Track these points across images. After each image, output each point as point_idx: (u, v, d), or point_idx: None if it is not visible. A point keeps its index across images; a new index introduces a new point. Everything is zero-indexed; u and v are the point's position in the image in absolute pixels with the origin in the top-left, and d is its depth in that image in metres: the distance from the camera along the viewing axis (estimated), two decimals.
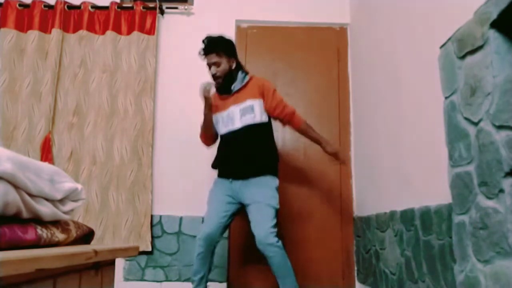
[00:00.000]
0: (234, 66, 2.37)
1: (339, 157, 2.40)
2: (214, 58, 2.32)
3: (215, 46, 2.32)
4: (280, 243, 2.15)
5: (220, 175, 2.42)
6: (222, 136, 2.43)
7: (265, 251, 2.13)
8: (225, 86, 2.37)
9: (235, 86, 2.37)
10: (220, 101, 2.42)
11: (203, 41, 2.36)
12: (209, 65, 2.35)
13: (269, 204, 2.21)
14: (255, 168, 2.28)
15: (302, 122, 2.40)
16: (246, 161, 2.29)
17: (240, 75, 2.39)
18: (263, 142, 2.35)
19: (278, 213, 2.25)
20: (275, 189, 2.29)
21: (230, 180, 2.33)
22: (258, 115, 2.32)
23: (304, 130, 2.41)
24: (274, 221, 2.18)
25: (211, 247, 2.26)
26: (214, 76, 2.34)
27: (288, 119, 2.37)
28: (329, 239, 3.02)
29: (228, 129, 2.35)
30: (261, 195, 2.23)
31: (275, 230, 2.17)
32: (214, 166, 2.47)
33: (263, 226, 2.14)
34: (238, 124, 2.32)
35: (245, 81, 2.38)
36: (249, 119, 2.31)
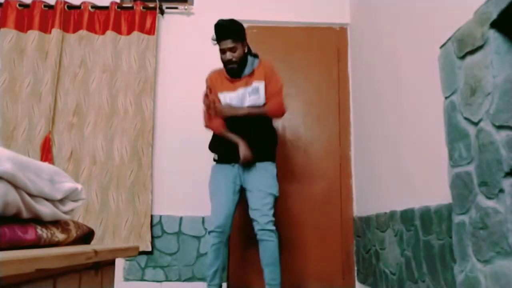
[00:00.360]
0: (246, 50, 2.39)
1: (241, 157, 2.29)
2: (230, 44, 2.30)
3: (231, 32, 2.30)
4: (276, 232, 2.24)
5: (220, 161, 2.40)
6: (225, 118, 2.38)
7: (264, 236, 2.21)
8: (238, 71, 2.36)
9: (246, 70, 2.37)
10: (228, 82, 2.39)
11: (216, 26, 2.32)
12: (224, 50, 2.32)
13: (271, 193, 2.27)
14: (259, 153, 2.30)
15: (269, 109, 2.34)
16: (252, 145, 2.29)
17: (249, 58, 2.39)
18: (266, 126, 2.38)
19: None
20: (276, 177, 2.34)
21: (233, 164, 2.35)
22: (262, 97, 2.33)
23: (264, 110, 2.32)
24: (273, 210, 2.26)
25: (224, 238, 2.27)
26: (229, 62, 2.32)
27: (277, 110, 2.38)
28: (329, 239, 3.02)
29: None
30: (264, 183, 2.28)
31: (274, 219, 2.25)
32: (212, 148, 2.43)
33: (265, 213, 2.22)
34: (246, 103, 2.33)
35: (255, 65, 2.38)
36: (255, 99, 2.31)
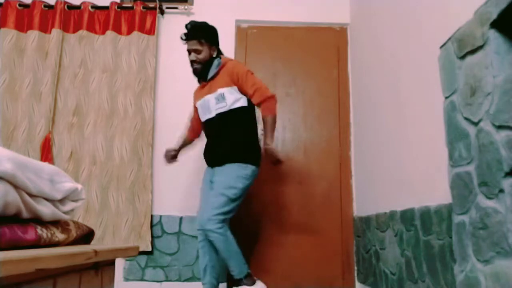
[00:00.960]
0: (214, 54, 2.41)
1: (272, 160, 2.33)
2: (195, 45, 2.34)
3: (198, 33, 2.35)
4: (222, 229, 2.19)
5: (206, 163, 2.50)
6: (203, 124, 2.48)
7: (207, 236, 2.24)
8: (201, 73, 2.40)
9: (210, 73, 2.39)
10: (200, 90, 2.50)
11: (186, 26, 2.38)
12: (189, 51, 2.38)
13: (222, 193, 2.23)
14: (221, 157, 2.32)
15: (270, 113, 2.32)
16: (217, 149, 2.36)
17: (215, 62, 2.38)
18: (236, 129, 2.33)
19: (239, 201, 2.29)
20: (238, 177, 2.26)
21: (211, 167, 2.44)
22: (229, 103, 2.31)
23: (265, 121, 2.32)
24: (222, 209, 2.20)
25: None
26: (193, 62, 2.38)
27: (261, 104, 2.34)
28: (329, 239, 3.02)
29: (205, 117, 2.42)
30: (219, 184, 2.27)
31: (219, 217, 2.19)
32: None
33: (206, 212, 2.22)
34: (213, 113, 2.36)
35: (218, 67, 2.37)
36: (221, 108, 2.33)
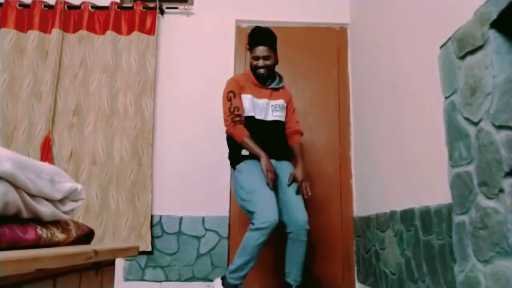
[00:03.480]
0: (276, 61, 2.48)
1: (301, 187, 2.32)
2: (266, 52, 2.38)
3: (269, 40, 2.39)
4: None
5: (251, 156, 2.30)
6: (254, 121, 2.38)
7: (301, 236, 2.22)
8: (265, 79, 2.46)
9: (272, 84, 2.48)
10: (254, 86, 2.46)
11: (253, 32, 2.41)
12: (258, 57, 2.39)
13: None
14: (285, 155, 2.45)
15: (299, 142, 2.54)
16: (280, 146, 2.43)
17: (277, 76, 2.53)
18: (284, 137, 2.51)
19: None
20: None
21: (275, 158, 2.38)
22: (285, 115, 2.52)
23: (298, 147, 2.50)
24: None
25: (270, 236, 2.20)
26: (260, 67, 2.40)
27: (295, 133, 2.54)
28: (329, 239, 3.02)
29: (261, 117, 2.42)
30: (295, 184, 2.34)
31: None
32: (238, 149, 2.37)
33: (303, 212, 2.25)
34: (270, 117, 2.43)
35: (280, 86, 2.52)
36: (280, 116, 2.46)
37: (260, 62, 2.39)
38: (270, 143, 2.37)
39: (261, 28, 2.42)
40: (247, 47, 2.46)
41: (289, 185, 2.32)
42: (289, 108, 2.54)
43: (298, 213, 2.23)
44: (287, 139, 2.52)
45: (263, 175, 2.22)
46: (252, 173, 2.26)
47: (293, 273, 2.26)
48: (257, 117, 2.40)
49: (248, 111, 2.39)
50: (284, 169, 2.39)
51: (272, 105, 2.45)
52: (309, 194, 2.32)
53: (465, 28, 1.38)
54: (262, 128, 2.39)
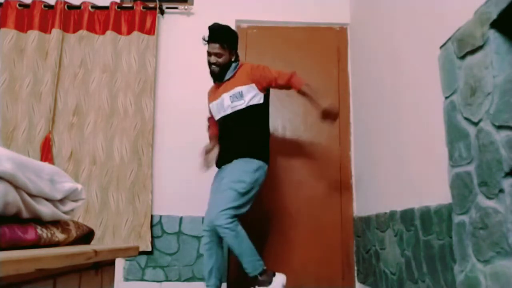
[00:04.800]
0: (233, 58, 2.45)
1: (331, 114, 2.29)
2: (217, 49, 2.37)
3: (221, 38, 2.38)
4: (233, 224, 2.15)
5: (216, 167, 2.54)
6: (217, 123, 2.53)
7: (218, 233, 2.19)
8: (218, 75, 2.44)
9: (227, 75, 2.45)
10: (215, 90, 2.53)
11: (210, 28, 2.40)
12: (210, 53, 2.40)
13: (230, 187, 2.22)
14: (232, 154, 2.36)
15: (302, 83, 2.35)
16: (230, 148, 2.39)
17: (233, 64, 2.46)
18: (251, 126, 2.37)
19: (249, 196, 2.26)
20: (245, 171, 2.26)
21: (220, 167, 2.48)
22: (247, 100, 2.36)
23: (304, 91, 2.35)
24: (232, 204, 2.17)
25: (215, 237, 2.26)
26: (212, 64, 2.41)
27: (289, 83, 2.37)
28: (329, 239, 3.02)
29: (220, 115, 2.46)
30: (226, 180, 2.27)
31: (229, 212, 2.15)
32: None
33: (215, 208, 2.19)
34: (228, 110, 2.40)
35: (235, 69, 2.44)
36: (238, 105, 2.37)
37: (212, 59, 2.39)
38: (226, 146, 2.43)
39: (215, 25, 2.41)
40: (204, 42, 2.42)
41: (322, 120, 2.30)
42: (259, 79, 2.36)
43: (208, 214, 2.28)
44: (292, 88, 2.38)
45: (214, 183, 2.45)
46: (212, 183, 2.49)
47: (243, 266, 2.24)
48: (218, 117, 2.48)
49: (215, 116, 2.52)
50: (226, 171, 2.35)
51: (230, 97, 2.38)
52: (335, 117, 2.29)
53: (465, 28, 1.38)
54: (223, 126, 2.45)
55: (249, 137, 2.36)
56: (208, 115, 2.69)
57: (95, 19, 3.19)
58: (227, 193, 2.20)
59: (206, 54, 2.97)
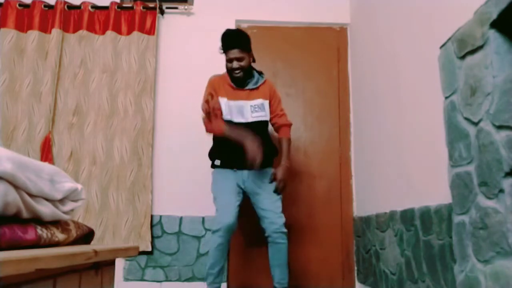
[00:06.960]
0: (252, 60, 2.47)
1: (278, 186, 2.37)
2: (237, 54, 2.36)
3: (238, 41, 2.37)
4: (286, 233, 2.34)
5: (223, 166, 2.43)
6: (233, 124, 2.41)
7: (278, 238, 2.31)
8: (242, 81, 2.44)
9: (250, 84, 2.46)
10: (230, 88, 2.45)
11: (224, 36, 2.40)
12: (231, 60, 2.38)
13: (279, 198, 2.39)
14: (265, 159, 2.34)
15: (288, 136, 2.52)
16: (255, 155, 2.31)
17: (256, 74, 2.51)
18: (268, 137, 2.49)
19: None
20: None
21: (235, 170, 2.41)
22: (267, 114, 2.47)
23: (283, 142, 2.49)
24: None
25: (229, 237, 2.31)
26: (235, 70, 2.38)
27: (281, 127, 2.52)
28: (329, 239, 3.02)
29: (237, 120, 2.41)
30: (270, 187, 2.37)
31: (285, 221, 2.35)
32: (214, 155, 2.47)
33: (280, 215, 2.33)
34: (250, 118, 2.41)
35: (258, 85, 2.48)
36: (260, 116, 2.44)
37: (235, 64, 2.37)
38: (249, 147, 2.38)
39: (230, 31, 2.43)
40: (221, 51, 2.42)
41: (270, 182, 2.37)
42: (272, 102, 2.50)
43: (274, 217, 2.33)
44: (277, 132, 2.53)
45: (227, 183, 2.38)
46: (218, 181, 2.43)
47: (276, 276, 2.35)
48: (235, 120, 2.41)
49: (225, 115, 2.41)
50: (258, 179, 2.40)
51: (251, 106, 2.42)
52: (280, 194, 2.39)
53: (465, 28, 1.38)
54: (240, 129, 2.38)
55: (274, 147, 2.51)
56: (204, 98, 2.45)
57: (95, 19, 3.19)
58: (280, 202, 2.37)
59: (206, 53, 2.96)
